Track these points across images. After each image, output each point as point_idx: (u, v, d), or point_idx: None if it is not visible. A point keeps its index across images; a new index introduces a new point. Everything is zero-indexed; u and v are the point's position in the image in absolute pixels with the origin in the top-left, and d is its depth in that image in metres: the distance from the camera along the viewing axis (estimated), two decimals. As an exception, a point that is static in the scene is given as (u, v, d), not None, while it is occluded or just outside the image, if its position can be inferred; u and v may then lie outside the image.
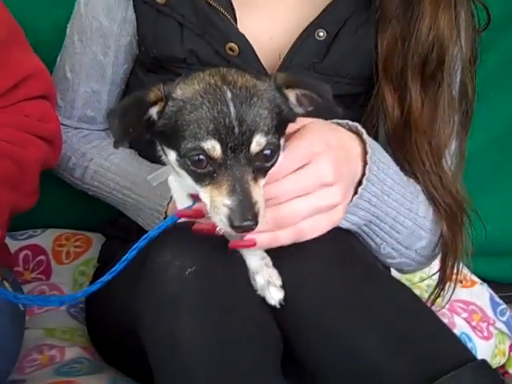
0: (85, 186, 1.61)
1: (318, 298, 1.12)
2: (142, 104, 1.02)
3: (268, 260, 1.15)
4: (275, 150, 1.04)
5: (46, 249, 1.82)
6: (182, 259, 1.09)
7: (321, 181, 1.12)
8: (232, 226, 0.99)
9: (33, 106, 1.45)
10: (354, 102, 1.48)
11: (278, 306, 1.12)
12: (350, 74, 1.45)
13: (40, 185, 1.74)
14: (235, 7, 1.41)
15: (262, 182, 1.04)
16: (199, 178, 1.02)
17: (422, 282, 1.80)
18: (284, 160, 1.08)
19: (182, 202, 1.17)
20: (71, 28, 1.58)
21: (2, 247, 1.54)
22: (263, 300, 1.12)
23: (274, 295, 1.12)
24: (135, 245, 1.11)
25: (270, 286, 1.12)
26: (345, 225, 1.24)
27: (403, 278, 1.63)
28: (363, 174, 1.19)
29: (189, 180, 1.04)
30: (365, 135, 1.21)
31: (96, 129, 1.64)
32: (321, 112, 1.11)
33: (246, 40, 1.41)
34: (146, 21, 1.47)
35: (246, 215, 0.98)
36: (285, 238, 1.11)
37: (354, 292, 1.12)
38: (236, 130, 0.99)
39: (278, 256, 1.14)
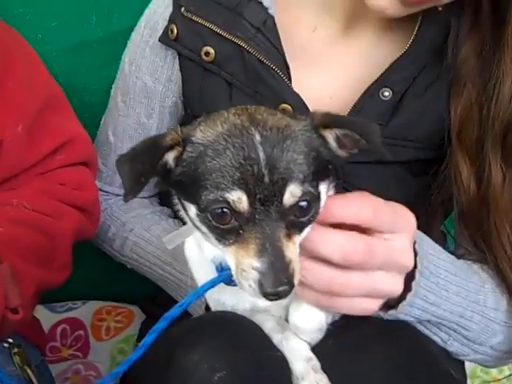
0: (123, 259, 1.49)
1: None
2: (157, 148, 0.88)
3: (315, 362, 0.98)
4: (313, 201, 0.89)
5: (85, 323, 1.71)
6: (210, 361, 0.94)
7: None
8: (264, 292, 0.84)
9: (70, 174, 1.36)
10: (423, 170, 1.31)
11: None
12: (418, 138, 1.29)
13: (81, 254, 1.66)
14: (290, 65, 1.29)
15: (297, 239, 0.89)
16: (222, 236, 0.87)
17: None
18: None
19: (200, 270, 1.04)
20: (115, 89, 1.50)
21: (32, 324, 1.43)
22: None
23: None
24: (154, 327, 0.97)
25: None
26: None
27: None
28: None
29: (212, 239, 0.90)
30: None
31: (139, 196, 1.52)
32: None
33: (301, 100, 1.28)
34: (192, 80, 1.37)
35: (280, 279, 0.83)
36: (321, 302, 0.95)
37: None
38: (266, 179, 0.85)
39: (329, 357, 0.97)
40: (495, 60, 1.17)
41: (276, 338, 1.02)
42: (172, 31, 1.34)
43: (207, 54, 1.31)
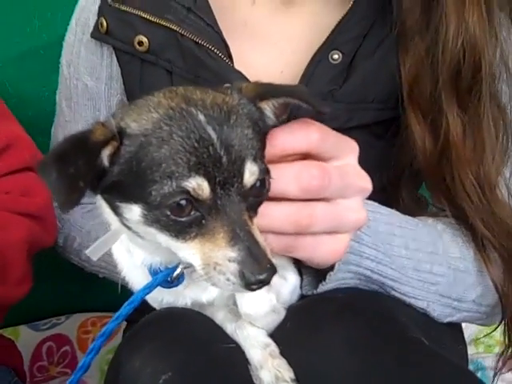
0: (94, 269, 1.41)
1: None
2: (91, 145, 0.78)
3: (273, 348, 0.90)
4: (267, 178, 0.82)
5: (70, 338, 1.66)
6: (153, 363, 0.86)
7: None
8: (247, 283, 0.76)
9: (14, 181, 1.29)
10: (386, 132, 1.22)
11: None
12: (376, 99, 1.20)
13: (59, 266, 1.60)
14: (230, 42, 1.20)
15: (255, 220, 0.81)
16: (182, 231, 0.79)
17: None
18: None
19: (134, 275, 0.96)
20: (59, 94, 1.43)
21: (3, 344, 1.37)
22: None
23: None
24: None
25: (279, 381, 0.86)
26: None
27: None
28: None
29: (162, 238, 0.81)
30: None
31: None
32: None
33: (245, 78, 1.19)
34: (132, 73, 1.29)
35: (263, 265, 0.76)
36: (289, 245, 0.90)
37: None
38: (224, 159, 0.78)
39: (287, 341, 0.90)
40: (438, 7, 1.09)
41: (229, 328, 0.95)
42: (102, 25, 1.27)
43: (140, 43, 1.24)
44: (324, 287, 0.97)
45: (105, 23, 1.25)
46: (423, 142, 1.10)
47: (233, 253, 0.77)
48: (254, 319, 0.93)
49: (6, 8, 1.63)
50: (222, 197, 0.78)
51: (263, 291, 0.89)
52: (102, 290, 1.71)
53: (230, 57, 1.20)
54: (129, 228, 0.84)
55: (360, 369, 0.84)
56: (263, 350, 0.89)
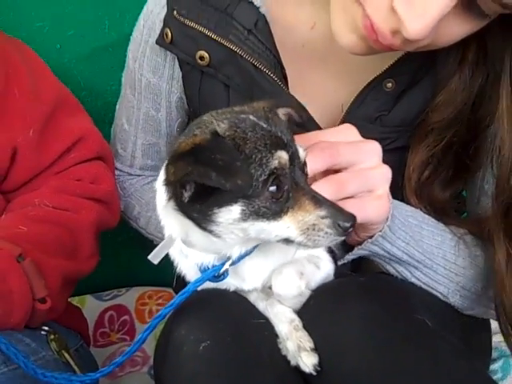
0: (150, 236, 1.57)
1: (358, 364, 0.97)
2: (213, 145, 0.92)
3: (297, 322, 1.04)
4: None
5: (129, 308, 1.81)
6: (196, 333, 1.01)
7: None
8: (343, 229, 0.93)
9: (86, 169, 1.45)
10: None
11: (314, 373, 0.99)
12: (408, 123, 1.29)
13: (123, 244, 1.74)
14: (285, 64, 1.28)
15: None
16: (277, 210, 0.93)
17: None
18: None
19: (188, 269, 1.11)
20: (124, 79, 1.55)
21: (72, 311, 1.54)
22: (293, 371, 1.01)
23: (307, 361, 0.99)
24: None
25: (300, 351, 1.00)
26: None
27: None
28: None
29: (256, 227, 0.94)
30: None
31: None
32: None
33: (297, 101, 1.22)
34: (192, 81, 1.40)
35: (347, 213, 0.94)
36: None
37: (393, 356, 0.97)
38: (284, 139, 0.94)
39: (309, 316, 1.03)
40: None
41: (261, 306, 1.09)
42: (167, 35, 1.36)
43: (202, 58, 1.32)
44: (356, 252, 1.14)
45: (170, 34, 1.35)
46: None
47: (322, 212, 0.93)
48: (282, 299, 1.06)
49: (80, 9, 1.76)
50: (294, 171, 0.94)
51: (296, 277, 1.04)
52: (157, 267, 1.88)
53: (285, 78, 1.28)
54: (210, 231, 0.97)
55: (370, 343, 0.98)
56: (289, 324, 1.03)
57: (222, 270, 1.04)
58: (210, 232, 0.97)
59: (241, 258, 1.04)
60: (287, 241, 0.96)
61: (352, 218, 0.94)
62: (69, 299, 1.64)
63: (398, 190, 1.18)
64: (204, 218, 0.95)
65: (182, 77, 1.42)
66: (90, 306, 1.82)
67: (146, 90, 1.49)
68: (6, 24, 1.68)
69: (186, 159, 0.91)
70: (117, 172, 1.58)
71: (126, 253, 1.85)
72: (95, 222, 1.41)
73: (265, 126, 0.94)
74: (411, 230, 1.13)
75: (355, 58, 1.25)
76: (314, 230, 0.93)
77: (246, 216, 0.93)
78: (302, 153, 0.97)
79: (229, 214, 0.93)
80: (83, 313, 1.62)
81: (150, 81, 1.47)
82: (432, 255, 1.14)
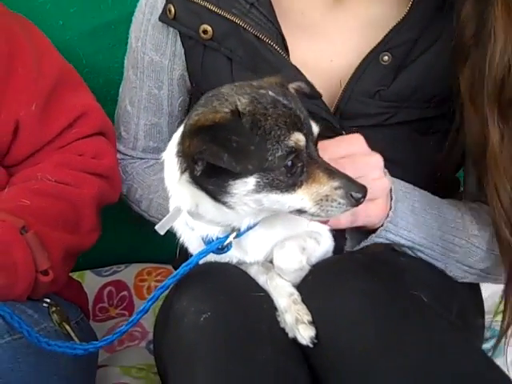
0: (151, 219, 1.58)
1: (354, 338, 1.00)
2: (229, 124, 0.96)
3: (296, 296, 1.06)
4: None
5: (128, 284, 1.83)
6: (197, 304, 1.04)
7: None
8: (356, 200, 0.97)
9: (87, 144, 1.46)
10: (429, 128, 1.34)
11: (311, 345, 1.02)
12: (420, 99, 1.31)
13: (122, 220, 1.76)
14: (286, 34, 1.31)
15: None
16: (292, 184, 0.98)
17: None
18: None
19: (191, 241, 1.13)
20: (127, 61, 1.57)
21: (72, 285, 1.56)
22: (292, 344, 1.03)
23: (304, 333, 1.02)
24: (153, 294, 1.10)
25: (298, 323, 1.02)
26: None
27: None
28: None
29: (271, 199, 0.98)
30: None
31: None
32: None
33: (298, 71, 1.29)
34: (194, 56, 1.42)
35: (360, 184, 0.98)
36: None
37: (389, 331, 0.99)
38: (302, 117, 0.98)
39: (308, 291, 1.06)
40: (488, 23, 1.18)
41: (261, 279, 1.12)
42: (170, 11, 1.38)
43: (205, 31, 1.35)
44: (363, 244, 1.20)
45: (173, 10, 1.37)
46: (478, 134, 1.21)
47: (336, 182, 0.97)
48: (283, 273, 1.09)
49: (84, -13, 1.77)
50: (309, 146, 0.98)
51: (298, 252, 1.07)
52: (157, 244, 1.90)
53: (286, 49, 1.31)
54: (224, 203, 1.00)
55: (366, 316, 1.00)
56: (288, 298, 1.05)
57: (226, 242, 1.06)
58: (224, 203, 1.00)
59: (245, 231, 1.07)
60: (300, 211, 1.00)
61: (364, 189, 0.97)
62: (69, 274, 1.67)
63: (393, 167, 1.21)
64: (219, 189, 0.98)
65: (185, 53, 1.44)
66: (90, 282, 1.84)
67: (149, 68, 1.50)
68: (8, 0, 1.68)
69: (202, 136, 0.94)
70: (119, 155, 1.60)
71: (126, 229, 1.86)
72: (97, 197, 1.43)
73: (285, 102, 0.98)
74: (414, 216, 1.19)
75: (351, 27, 1.32)
76: (327, 200, 0.97)
77: (260, 188, 0.96)
78: (315, 128, 1.01)
79: (244, 186, 0.97)
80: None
81: (152, 58, 1.49)
82: (432, 237, 1.21)
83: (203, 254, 1.07)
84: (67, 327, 1.35)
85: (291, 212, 1.01)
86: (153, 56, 1.48)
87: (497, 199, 1.20)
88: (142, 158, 1.62)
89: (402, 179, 1.23)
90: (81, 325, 1.47)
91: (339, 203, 0.97)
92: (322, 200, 0.97)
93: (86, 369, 1.41)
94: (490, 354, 1.46)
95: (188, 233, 1.13)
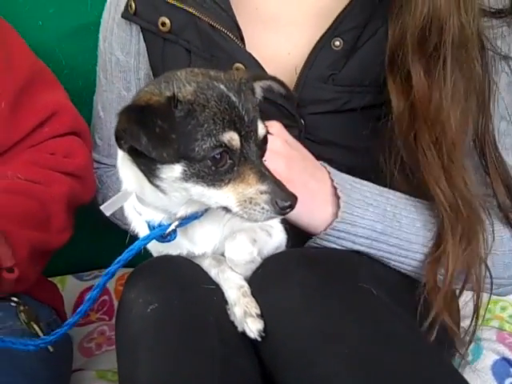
0: (126, 227, 1.53)
1: (295, 330, 0.99)
2: (157, 108, 0.94)
3: (246, 288, 1.05)
4: (267, 135, 1.02)
5: (109, 288, 1.80)
6: (145, 296, 1.03)
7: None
8: (280, 208, 0.94)
9: (59, 143, 1.45)
10: (386, 114, 1.29)
11: (259, 339, 1.00)
12: (372, 83, 1.30)
13: (106, 226, 1.73)
14: (243, 27, 1.33)
15: None
16: (218, 179, 0.96)
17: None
18: None
19: (141, 229, 1.12)
20: (98, 66, 1.58)
21: (46, 287, 1.54)
22: (240, 336, 1.02)
23: (252, 326, 1.01)
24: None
25: (246, 316, 1.01)
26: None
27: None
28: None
29: (197, 190, 0.97)
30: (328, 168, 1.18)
31: None
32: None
33: (254, 59, 1.32)
34: (155, 50, 1.44)
35: (289, 192, 0.95)
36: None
37: (331, 321, 0.99)
38: (245, 117, 0.96)
39: (257, 284, 1.06)
40: None
41: (213, 272, 1.11)
42: (131, 6, 1.42)
43: (163, 24, 1.38)
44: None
45: (133, 5, 1.40)
46: (397, 103, 1.21)
47: (263, 186, 0.95)
48: (235, 265, 1.08)
49: (64, -12, 1.77)
50: (246, 147, 0.96)
51: (249, 244, 1.05)
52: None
53: (242, 39, 1.33)
54: (157, 186, 1.00)
55: (307, 308, 0.99)
56: (237, 290, 1.04)
57: (168, 230, 1.05)
58: (157, 187, 0.99)
59: (188, 220, 1.06)
60: (226, 209, 0.98)
61: (292, 198, 0.95)
62: (50, 279, 1.65)
63: (351, 155, 1.21)
64: (150, 172, 0.98)
65: (146, 48, 1.45)
66: (71, 286, 1.82)
67: (116, 69, 1.51)
68: (-14, 0, 1.69)
69: (129, 115, 0.93)
70: (95, 164, 1.59)
71: (107, 234, 1.83)
72: (67, 195, 1.41)
73: (233, 99, 0.96)
74: (367, 200, 1.17)
75: (305, 19, 1.34)
76: (251, 203, 0.95)
77: (187, 177, 0.96)
78: (261, 130, 0.99)
79: (171, 172, 0.96)
80: (60, 290, 1.62)
81: (118, 58, 1.50)
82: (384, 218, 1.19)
83: (146, 240, 1.07)
84: (35, 327, 1.34)
85: (218, 208, 0.99)
86: (119, 56, 1.50)
87: (423, 154, 1.18)
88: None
89: (362, 166, 1.20)
90: (53, 326, 1.44)
91: (263, 208, 0.95)
92: (245, 201, 0.96)
93: (56, 370, 1.38)
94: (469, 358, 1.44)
95: (137, 218, 1.12)
